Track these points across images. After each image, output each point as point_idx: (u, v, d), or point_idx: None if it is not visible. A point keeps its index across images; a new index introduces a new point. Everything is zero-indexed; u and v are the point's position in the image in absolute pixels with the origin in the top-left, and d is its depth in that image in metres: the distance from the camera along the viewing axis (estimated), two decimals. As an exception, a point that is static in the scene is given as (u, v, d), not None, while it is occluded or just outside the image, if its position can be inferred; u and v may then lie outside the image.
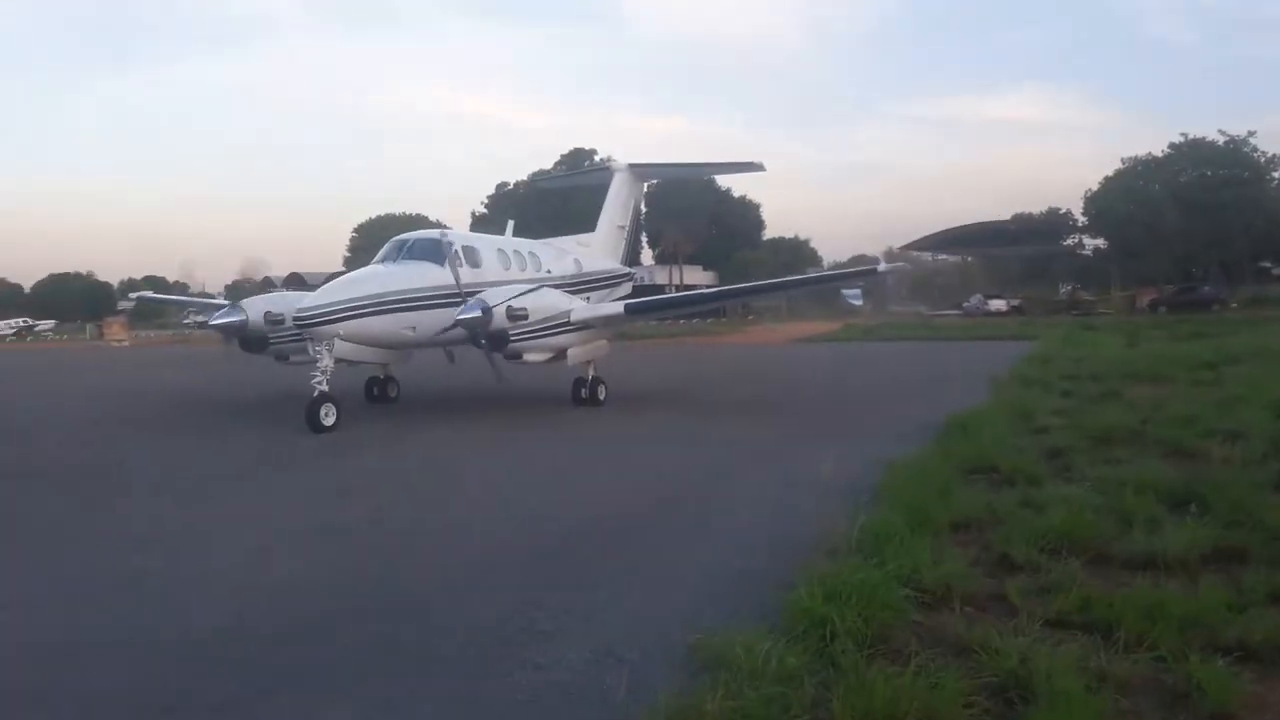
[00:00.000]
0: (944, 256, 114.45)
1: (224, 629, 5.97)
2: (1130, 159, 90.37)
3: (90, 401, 23.11)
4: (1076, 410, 14.27)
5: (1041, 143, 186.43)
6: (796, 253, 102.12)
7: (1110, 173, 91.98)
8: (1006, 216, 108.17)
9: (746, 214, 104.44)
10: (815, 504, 8.58)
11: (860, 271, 28.67)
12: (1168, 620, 5.20)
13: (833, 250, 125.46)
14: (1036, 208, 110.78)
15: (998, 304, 72.79)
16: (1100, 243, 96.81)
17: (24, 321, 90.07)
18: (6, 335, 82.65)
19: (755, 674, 4.49)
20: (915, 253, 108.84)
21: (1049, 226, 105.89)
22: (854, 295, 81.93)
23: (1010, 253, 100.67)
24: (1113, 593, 5.72)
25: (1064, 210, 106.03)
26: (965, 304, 77.29)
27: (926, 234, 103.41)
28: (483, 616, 6.06)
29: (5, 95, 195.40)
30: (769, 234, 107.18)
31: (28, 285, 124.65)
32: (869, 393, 21.31)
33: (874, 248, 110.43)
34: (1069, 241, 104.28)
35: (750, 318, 76.41)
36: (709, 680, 4.49)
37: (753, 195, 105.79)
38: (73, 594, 6.88)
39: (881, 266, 20.03)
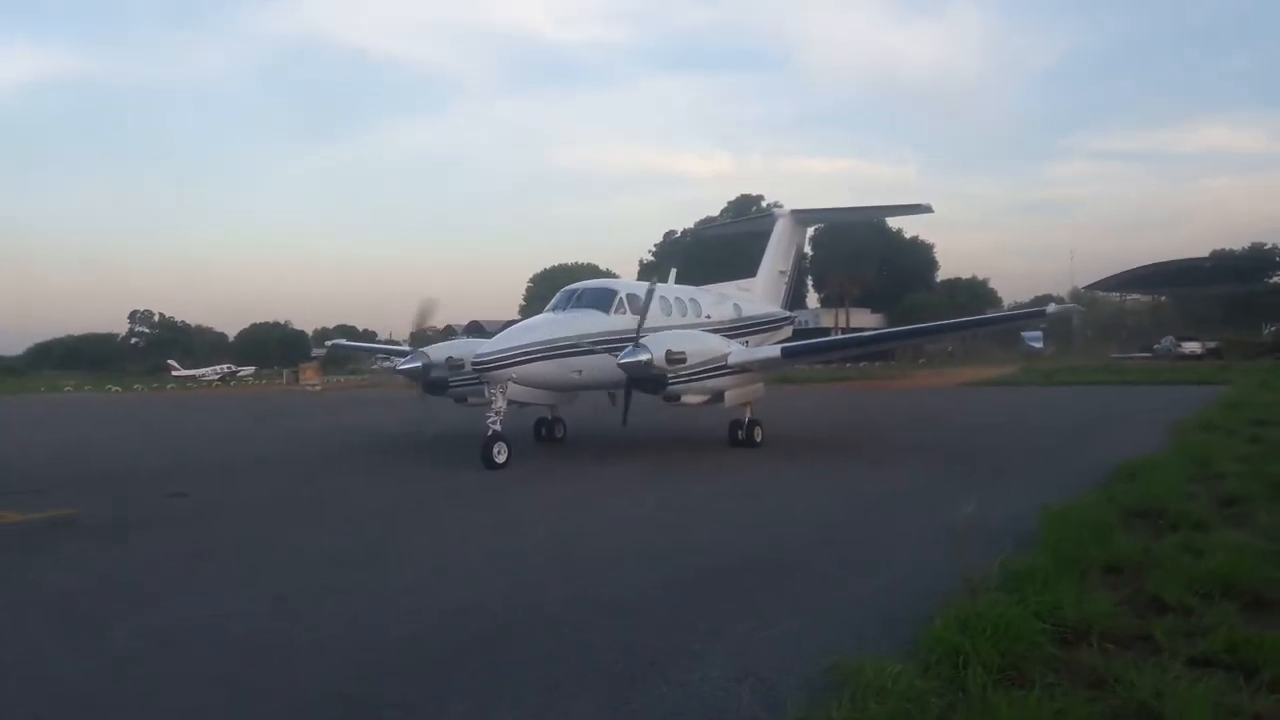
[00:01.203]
0: (1134, 296, 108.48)
1: (404, 638, 6.69)
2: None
3: (292, 440, 25.20)
4: (1262, 457, 13.50)
5: (1243, 174, 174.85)
6: (974, 293, 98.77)
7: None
8: (1204, 253, 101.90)
9: (918, 255, 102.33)
10: (966, 546, 8.61)
11: (1028, 313, 27.80)
12: (1321, 663, 5.12)
13: (1014, 290, 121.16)
14: (1237, 244, 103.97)
15: (1192, 346, 68.15)
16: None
17: (228, 367, 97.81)
18: (213, 380, 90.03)
19: (882, 692, 4.76)
20: (1101, 293, 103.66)
21: (1251, 263, 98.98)
22: (1034, 337, 78.74)
23: (1207, 292, 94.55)
24: (1263, 634, 5.63)
25: (1269, 245, 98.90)
26: (1156, 346, 72.80)
27: (1116, 272, 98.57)
28: (635, 636, 6.53)
29: (217, 157, 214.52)
30: (944, 274, 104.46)
31: (231, 334, 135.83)
32: (1040, 438, 20.68)
33: (1059, 287, 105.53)
34: (1274, 279, 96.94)
35: (921, 361, 74.57)
36: (837, 696, 4.80)
37: (926, 236, 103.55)
38: (279, 605, 7.80)
39: (1050, 308, 19.45)
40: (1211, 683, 4.94)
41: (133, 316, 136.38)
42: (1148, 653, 5.59)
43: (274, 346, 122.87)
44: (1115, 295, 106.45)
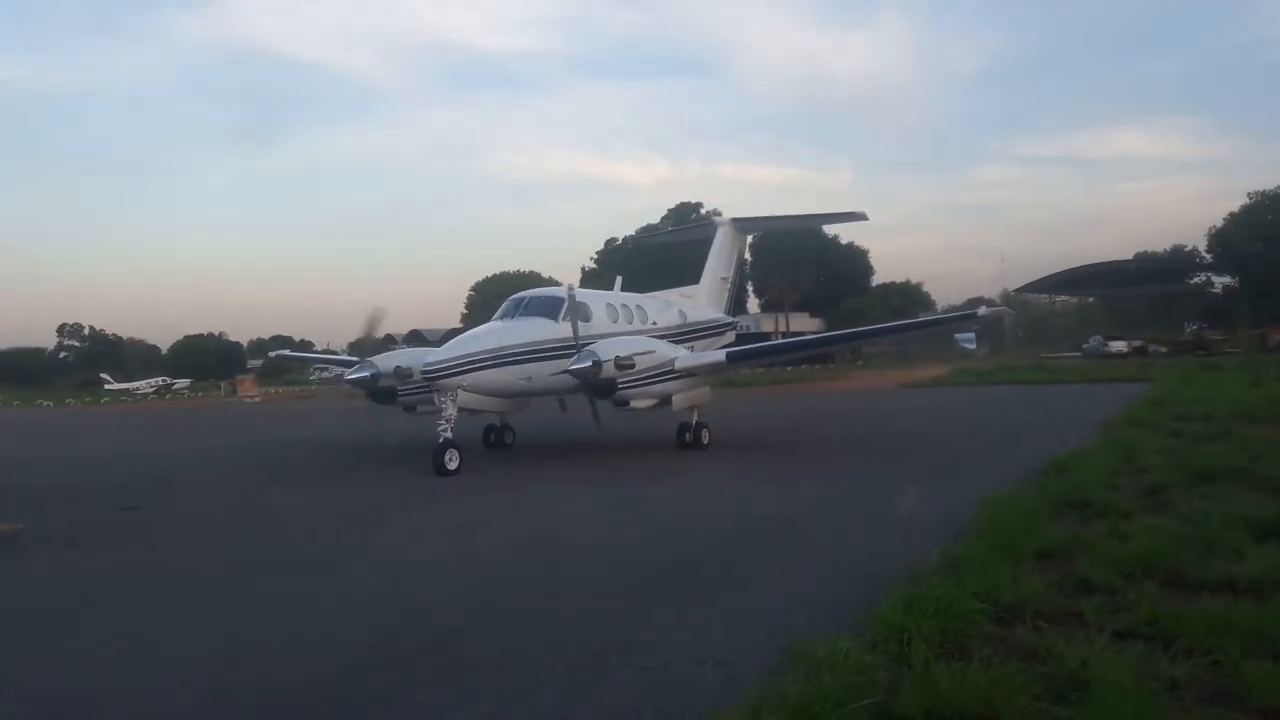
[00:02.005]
0: (1063, 298, 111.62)
1: (370, 637, 6.89)
2: (1257, 193, 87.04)
3: (239, 453, 24.94)
4: (1181, 450, 14.21)
5: (1164, 178, 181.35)
6: (908, 297, 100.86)
7: (1236, 208, 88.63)
8: (1128, 255, 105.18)
9: (854, 260, 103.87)
10: (907, 537, 9.05)
11: (959, 316, 28.75)
12: (1232, 633, 5.58)
13: (948, 293, 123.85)
14: (1160, 246, 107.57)
15: (1118, 345, 70.49)
16: (1229, 280, 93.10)
17: (163, 380, 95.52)
18: (148, 393, 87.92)
19: (834, 667, 5.11)
20: (1031, 295, 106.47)
21: (1173, 265, 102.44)
22: (967, 339, 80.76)
23: (1132, 293, 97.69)
24: (1181, 608, 6.11)
25: (1189, 248, 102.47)
26: (1085, 345, 75.12)
27: (1045, 275, 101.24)
28: (596, 628, 6.82)
29: (146, 166, 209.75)
30: (880, 279, 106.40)
31: (164, 346, 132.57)
32: (972, 436, 21.39)
33: (991, 290, 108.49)
34: (1195, 280, 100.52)
35: (859, 363, 75.96)
36: (792, 672, 5.14)
37: (861, 241, 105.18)
38: (245, 609, 7.95)
39: (981, 311, 20.22)
40: (1133, 652, 5.39)
41: (61, 329, 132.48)
42: (1077, 628, 6.03)
43: (209, 358, 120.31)
44: (1044, 297, 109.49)
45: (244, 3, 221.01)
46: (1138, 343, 70.75)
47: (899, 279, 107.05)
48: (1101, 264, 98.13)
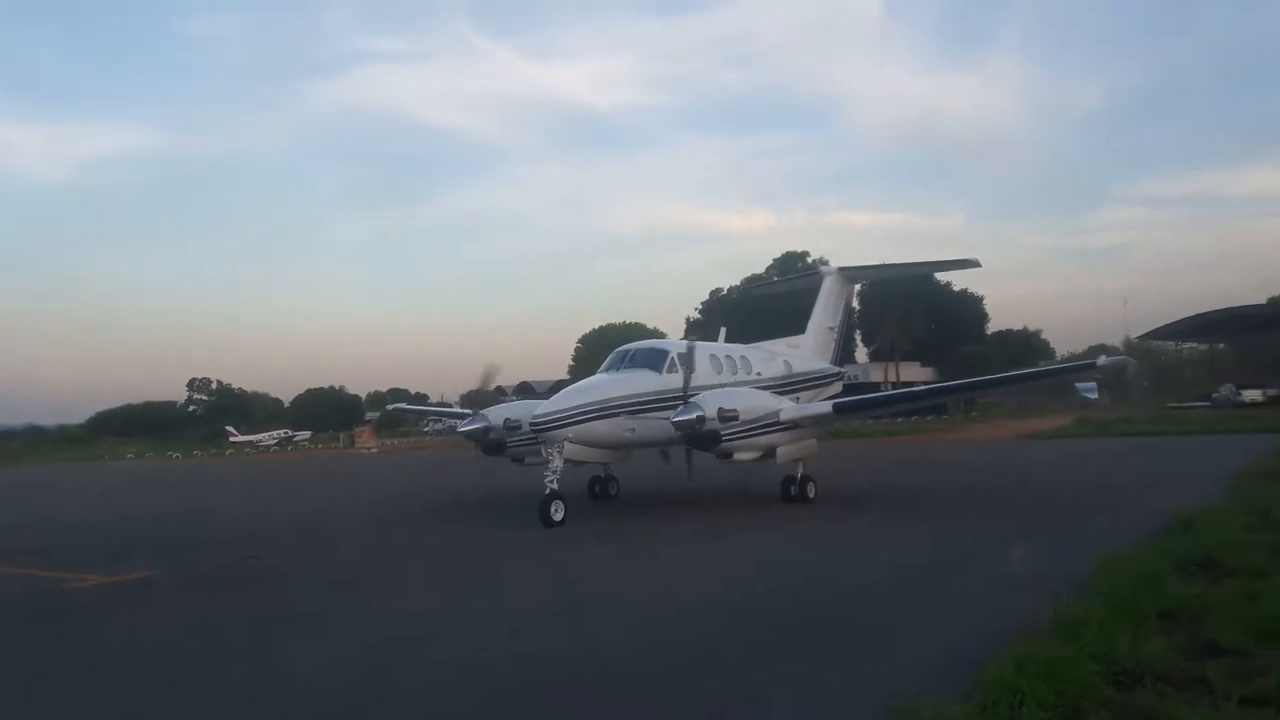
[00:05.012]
0: (1191, 344, 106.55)
1: (486, 687, 7.06)
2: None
3: (357, 502, 25.80)
4: (1323, 505, 13.38)
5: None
6: (1026, 345, 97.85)
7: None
8: (1262, 300, 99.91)
9: (968, 307, 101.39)
10: (1018, 595, 8.78)
11: (1079, 366, 27.71)
12: (1372, 702, 5.26)
13: (1068, 340, 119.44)
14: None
15: (1252, 395, 66.70)
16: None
17: (285, 432, 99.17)
18: (270, 445, 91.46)
19: (942, 730, 5.00)
20: (1156, 341, 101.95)
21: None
22: (1089, 388, 77.56)
23: (1267, 339, 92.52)
24: (1316, 675, 5.77)
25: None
26: (1215, 395, 71.33)
27: (1171, 320, 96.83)
28: (702, 684, 6.82)
29: (267, 227, 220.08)
30: (996, 326, 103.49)
31: (286, 399, 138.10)
32: (1093, 491, 20.54)
33: (1113, 337, 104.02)
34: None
35: (974, 414, 73.82)
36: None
37: (975, 288, 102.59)
38: (364, 658, 8.20)
39: (1101, 360, 19.46)
40: (1263, 718, 5.11)
41: (191, 384, 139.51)
42: (1202, 693, 5.75)
43: (329, 411, 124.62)
44: (1171, 344, 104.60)
45: (373, 71, 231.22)
46: (1275, 391, 66.83)
47: (1015, 326, 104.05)
48: (1232, 308, 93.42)
